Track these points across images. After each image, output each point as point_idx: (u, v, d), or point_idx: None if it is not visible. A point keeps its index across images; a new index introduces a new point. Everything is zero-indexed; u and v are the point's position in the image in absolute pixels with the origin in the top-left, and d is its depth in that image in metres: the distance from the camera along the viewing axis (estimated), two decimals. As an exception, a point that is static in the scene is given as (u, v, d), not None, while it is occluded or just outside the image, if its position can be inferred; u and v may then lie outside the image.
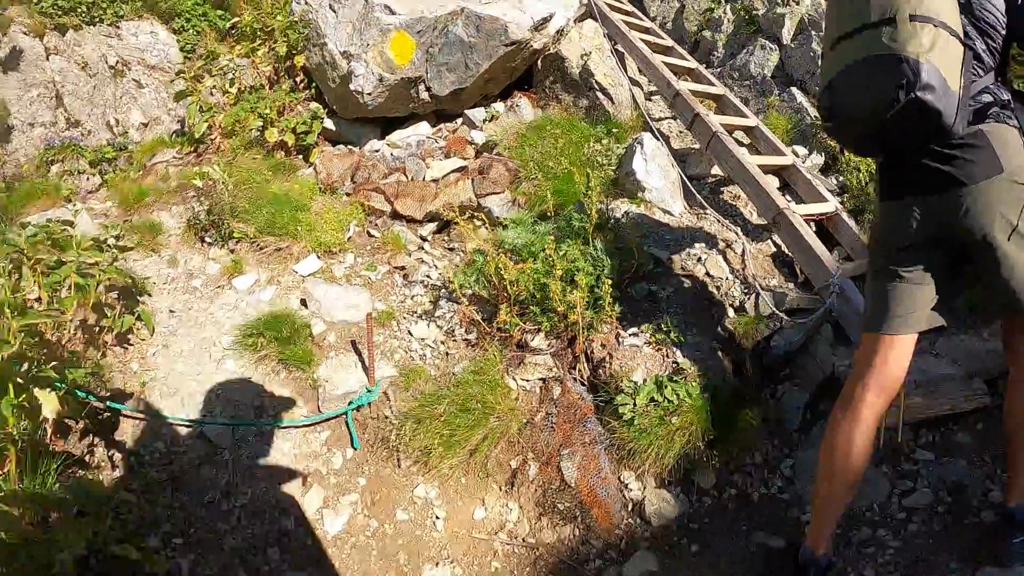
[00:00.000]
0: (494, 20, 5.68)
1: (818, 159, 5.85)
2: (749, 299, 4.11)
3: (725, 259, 4.39)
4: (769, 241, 4.66)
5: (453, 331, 4.20)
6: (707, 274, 4.26)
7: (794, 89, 6.30)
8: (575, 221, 3.82)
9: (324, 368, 4.08)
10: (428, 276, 4.72)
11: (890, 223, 2.41)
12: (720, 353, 3.81)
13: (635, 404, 3.34)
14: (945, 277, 2.39)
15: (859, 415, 2.39)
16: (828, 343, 4.01)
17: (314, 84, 6.54)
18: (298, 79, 6.64)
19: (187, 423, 3.74)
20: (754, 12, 6.97)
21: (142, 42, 7.94)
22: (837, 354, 4.02)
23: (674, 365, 3.53)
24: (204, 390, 3.97)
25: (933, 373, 3.66)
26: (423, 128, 6.24)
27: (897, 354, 2.39)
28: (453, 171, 5.36)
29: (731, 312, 4.09)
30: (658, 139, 5.25)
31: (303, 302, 4.52)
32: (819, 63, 2.89)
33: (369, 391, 3.93)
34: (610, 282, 3.63)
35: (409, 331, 4.29)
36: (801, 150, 5.86)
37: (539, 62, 6.28)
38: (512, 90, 6.42)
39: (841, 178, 5.72)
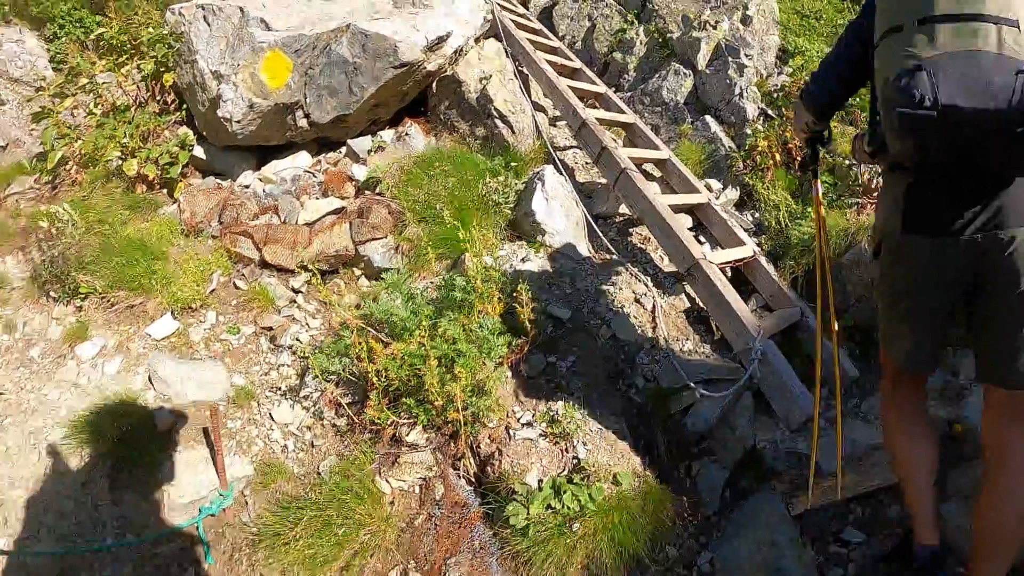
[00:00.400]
0: (383, 39, 5.08)
1: (732, 194, 5.49)
2: (661, 366, 3.64)
3: (634, 317, 3.91)
4: (683, 295, 4.21)
5: (322, 414, 3.56)
6: (613, 337, 3.77)
7: (708, 117, 5.93)
8: (457, 290, 3.24)
9: (171, 466, 3.39)
10: (298, 339, 4.06)
11: (922, 261, 2.07)
12: (628, 434, 3.31)
13: (529, 512, 2.79)
14: (947, 323, 2.21)
15: (899, 405, 2.41)
16: (748, 414, 3.59)
17: (185, 106, 5.76)
18: (168, 100, 5.83)
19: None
20: (668, 35, 6.58)
21: (6, 51, 6.89)
22: (759, 426, 3.61)
23: (575, 461, 3.00)
24: (31, 500, 3.29)
25: (863, 443, 3.38)
26: (302, 159, 5.55)
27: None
28: (330, 213, 4.71)
29: (641, 382, 3.61)
30: (561, 173, 4.76)
31: (151, 380, 3.80)
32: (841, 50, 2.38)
33: (222, 495, 3.29)
34: (498, 361, 3.08)
35: (271, 414, 3.63)
36: (715, 184, 5.49)
37: (434, 84, 5.70)
38: (404, 115, 5.81)
39: (757, 215, 5.37)
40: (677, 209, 4.64)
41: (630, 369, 3.66)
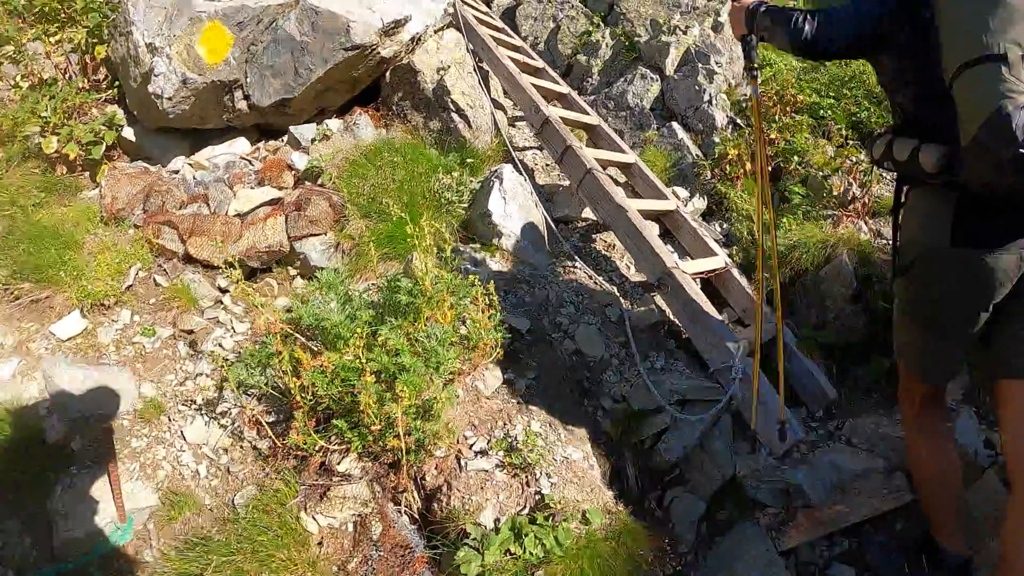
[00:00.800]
0: (335, 17, 4.62)
1: (700, 203, 5.18)
2: (631, 385, 3.25)
3: (600, 330, 3.51)
4: (653, 307, 3.84)
5: (241, 434, 3.05)
6: (578, 352, 3.36)
7: (675, 124, 5.63)
8: (403, 293, 2.78)
9: (62, 494, 2.85)
10: (221, 345, 3.55)
11: (971, 274, 2.04)
12: (597, 463, 2.91)
13: (484, 560, 2.34)
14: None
15: (926, 427, 2.43)
16: (727, 438, 3.23)
17: (118, 83, 5.18)
18: (101, 76, 5.25)
19: None
20: (636, 39, 6.27)
21: (-72, 19, 6.18)
22: (739, 452, 3.26)
23: (537, 497, 2.56)
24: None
25: (850, 469, 3.12)
26: (240, 145, 5.03)
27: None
28: (264, 204, 4.20)
29: (609, 403, 3.22)
30: (521, 173, 4.36)
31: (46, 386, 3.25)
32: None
33: (119, 529, 2.77)
34: (448, 378, 2.64)
35: (182, 433, 3.10)
36: (682, 192, 5.17)
37: (388, 73, 5.25)
38: (355, 105, 5.35)
39: (727, 225, 5.07)
40: (645, 215, 4.29)
41: (597, 388, 3.26)
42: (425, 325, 2.63)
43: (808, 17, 2.30)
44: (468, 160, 4.46)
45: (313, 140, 4.77)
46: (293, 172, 4.46)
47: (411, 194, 3.95)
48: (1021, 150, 1.59)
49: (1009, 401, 2.09)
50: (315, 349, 2.75)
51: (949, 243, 2.02)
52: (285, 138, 5.01)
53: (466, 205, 4.15)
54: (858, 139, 5.38)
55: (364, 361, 2.35)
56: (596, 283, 3.85)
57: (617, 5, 6.69)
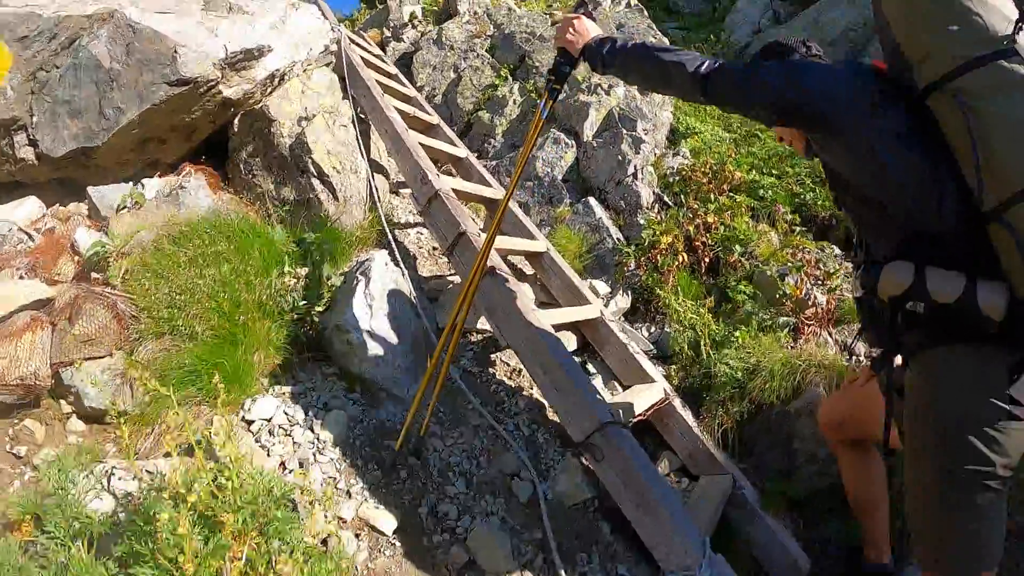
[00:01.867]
0: (159, 39, 3.42)
1: (624, 301, 4.21)
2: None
3: (504, 519, 2.39)
4: (580, 475, 2.73)
5: None
6: (471, 564, 2.21)
7: (592, 200, 4.68)
8: (164, 526, 1.54)
9: None
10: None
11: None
12: None
13: None
14: None
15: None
16: None
17: None
18: None
19: None
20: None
21: None
22: None
23: None
24: None
25: None
26: (27, 208, 3.65)
27: None
28: (27, 306, 2.87)
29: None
30: (398, 264, 3.25)
31: None
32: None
33: None
34: None
35: None
36: (602, 286, 4.19)
37: (237, 121, 4.06)
38: (190, 161, 4.08)
39: (654, 329, 4.09)
40: (560, 327, 3.26)
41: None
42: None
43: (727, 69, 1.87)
44: (328, 244, 3.31)
45: (118, 207, 3.50)
46: (76, 258, 3.17)
47: (237, 298, 2.73)
48: None
49: None
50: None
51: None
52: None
53: (322, 309, 2.99)
54: (803, 224, 4.58)
55: None
56: (498, 436, 2.74)
57: (529, 57, 5.74)
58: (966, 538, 1.63)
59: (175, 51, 3.42)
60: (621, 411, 2.74)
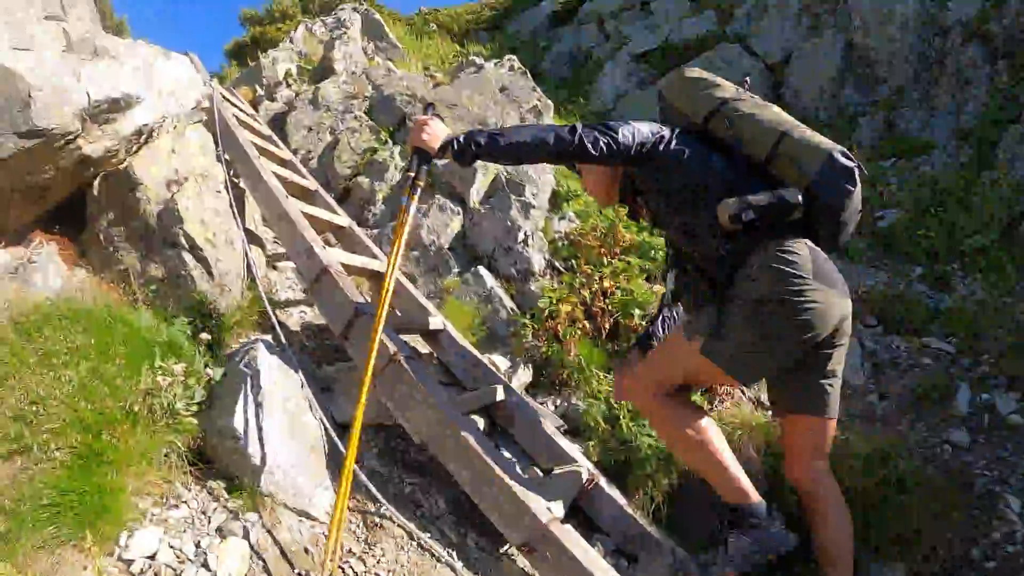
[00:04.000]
0: (9, 77, 2.88)
1: (526, 375, 4.01)
2: None
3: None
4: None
5: None
6: None
7: (481, 268, 4.49)
8: None
9: None
10: None
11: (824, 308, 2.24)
12: None
13: None
14: None
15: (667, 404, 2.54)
16: None
17: None
18: None
19: None
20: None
21: None
22: None
23: None
24: None
25: None
26: None
27: None
28: None
29: None
30: (285, 350, 2.86)
31: None
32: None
33: None
34: None
35: None
36: (501, 361, 3.96)
37: (96, 182, 3.52)
38: (41, 229, 3.49)
39: (562, 403, 3.89)
40: (468, 411, 2.99)
41: None
42: None
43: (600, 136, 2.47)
44: (202, 333, 2.88)
45: (-53, 289, 2.92)
46: None
47: (101, 406, 2.26)
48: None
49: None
50: None
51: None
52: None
53: (200, 409, 2.55)
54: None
55: None
56: (423, 547, 2.39)
57: (410, 119, 5.53)
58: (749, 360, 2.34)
59: (29, 94, 2.90)
60: (554, 503, 2.49)
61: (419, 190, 2.60)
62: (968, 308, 5.08)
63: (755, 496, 2.43)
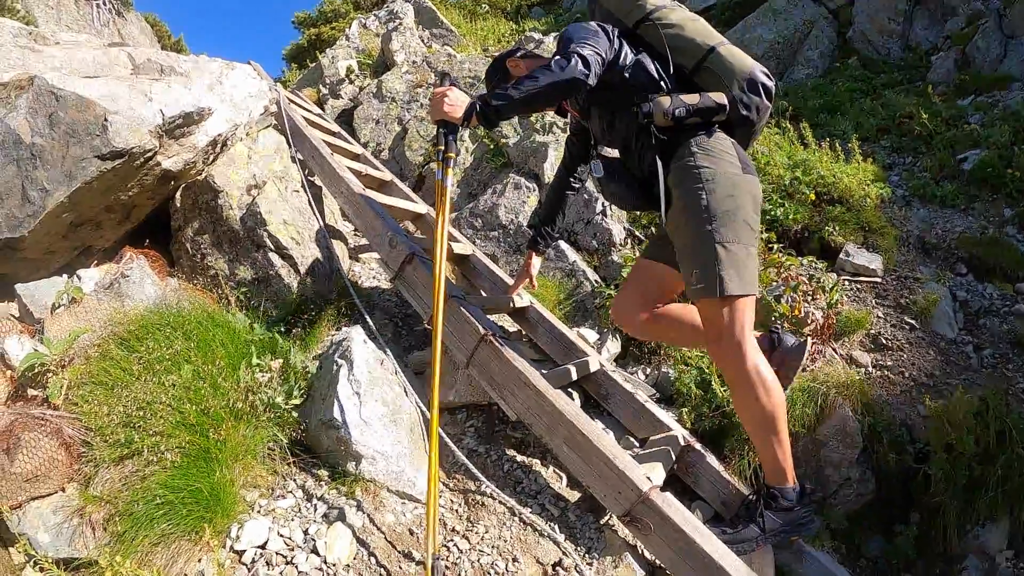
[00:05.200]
0: (85, 105, 3.02)
1: (614, 346, 3.95)
2: None
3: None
4: (625, 553, 2.42)
5: None
6: None
7: (563, 244, 4.44)
8: None
9: None
10: None
11: (755, 194, 2.44)
12: None
13: None
14: None
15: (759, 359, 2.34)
16: None
17: None
18: None
19: None
20: (502, 140, 5.08)
21: None
22: None
23: None
24: None
25: None
26: (-56, 325, 3.23)
27: None
28: (-51, 440, 2.45)
29: None
30: (378, 341, 2.92)
31: None
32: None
33: None
34: None
35: None
36: (590, 334, 3.92)
37: (179, 195, 3.69)
38: (130, 244, 3.67)
39: (652, 371, 3.84)
40: (558, 383, 2.98)
41: None
42: None
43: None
44: (295, 324, 2.97)
45: (54, 307, 3.10)
46: (8, 372, 2.74)
47: (205, 406, 2.37)
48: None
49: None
50: None
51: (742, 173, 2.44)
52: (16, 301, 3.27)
53: (299, 402, 2.63)
54: (779, 241, 4.45)
55: None
56: (525, 522, 2.41)
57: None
58: (751, 264, 2.35)
59: (105, 119, 3.04)
60: (652, 472, 2.47)
61: (452, 162, 2.59)
62: (1064, 249, 4.80)
63: (792, 479, 2.44)
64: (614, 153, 2.78)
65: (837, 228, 4.74)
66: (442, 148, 2.56)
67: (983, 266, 4.80)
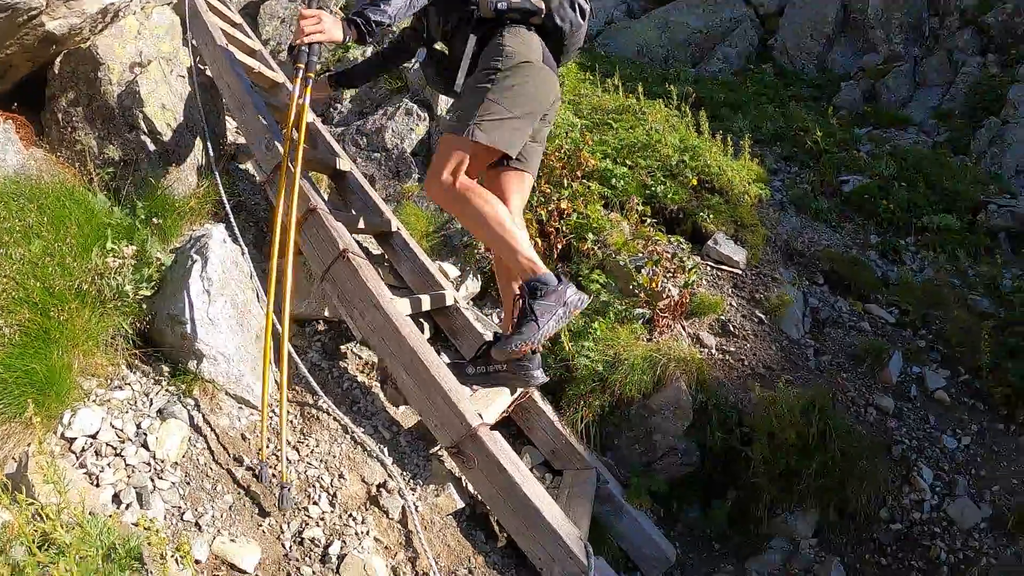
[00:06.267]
0: None
1: (475, 285, 4.05)
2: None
3: (379, 541, 2.16)
4: (448, 483, 2.53)
5: None
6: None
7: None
8: None
9: None
10: None
11: (545, 84, 2.75)
12: None
13: None
14: None
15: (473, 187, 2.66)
16: None
17: None
18: None
19: None
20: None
21: None
22: None
23: None
24: None
25: None
26: None
27: None
28: None
29: None
30: (238, 242, 2.86)
31: None
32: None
33: None
34: None
35: None
36: (451, 269, 3.99)
37: (59, 61, 3.37)
38: (6, 105, 3.34)
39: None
40: (415, 316, 3.04)
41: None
42: None
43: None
44: (157, 215, 2.85)
45: None
46: None
47: (51, 285, 2.24)
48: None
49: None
50: None
51: (541, 60, 2.73)
52: None
53: (149, 293, 2.55)
54: (653, 216, 4.65)
55: None
56: (356, 441, 2.48)
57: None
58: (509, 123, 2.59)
59: None
60: (490, 418, 2.59)
61: (311, 81, 2.65)
62: (916, 283, 5.25)
63: (543, 267, 2.61)
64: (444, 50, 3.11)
65: (711, 216, 4.96)
66: (301, 66, 2.59)
67: (840, 281, 5.15)
